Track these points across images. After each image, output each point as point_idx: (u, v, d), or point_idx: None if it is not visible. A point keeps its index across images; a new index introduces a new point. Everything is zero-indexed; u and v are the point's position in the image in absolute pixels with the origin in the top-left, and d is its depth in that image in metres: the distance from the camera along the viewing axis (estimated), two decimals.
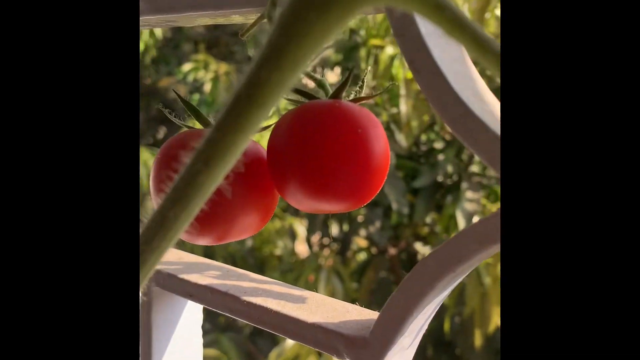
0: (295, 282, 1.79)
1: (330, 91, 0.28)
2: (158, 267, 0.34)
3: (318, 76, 0.29)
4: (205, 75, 2.26)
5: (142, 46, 2.26)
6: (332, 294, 1.69)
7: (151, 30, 2.24)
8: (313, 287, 1.73)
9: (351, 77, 0.27)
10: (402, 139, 1.62)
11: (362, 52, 1.66)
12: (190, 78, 2.36)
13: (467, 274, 0.26)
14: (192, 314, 0.38)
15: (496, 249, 0.23)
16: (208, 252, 1.94)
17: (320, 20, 0.14)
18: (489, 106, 0.24)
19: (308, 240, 2.03)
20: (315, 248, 2.10)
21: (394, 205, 1.64)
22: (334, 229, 2.06)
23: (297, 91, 0.28)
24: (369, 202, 0.28)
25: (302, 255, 2.03)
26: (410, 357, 0.27)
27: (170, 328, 0.36)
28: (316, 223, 1.77)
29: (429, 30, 0.24)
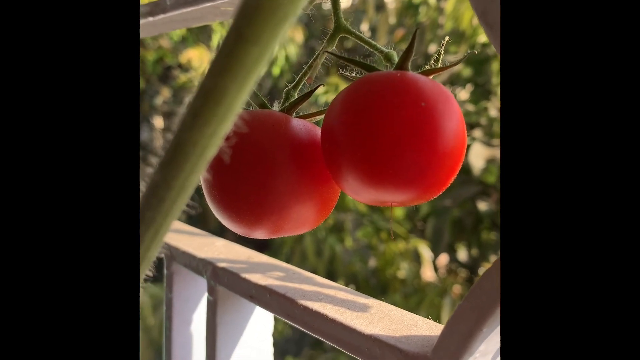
0: (417, 306, 1.71)
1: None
2: (223, 265, 0.32)
3: (385, 48, 0.25)
4: (337, 73, 2.29)
5: (277, 71, 2.35)
6: None
7: (286, 55, 2.33)
8: (436, 313, 1.64)
9: (416, 40, 0.23)
10: None
11: (495, 66, 1.57)
12: (322, 100, 2.41)
13: None
14: (261, 318, 0.35)
15: None
16: (331, 270, 1.94)
17: None
18: None
19: (434, 264, 1.94)
20: (442, 272, 2.00)
21: None
22: (462, 254, 1.95)
23: (358, 63, 0.25)
24: (439, 193, 0.23)
25: (427, 279, 1.94)
26: None
27: (236, 331, 0.34)
28: (441, 245, 1.69)
29: None
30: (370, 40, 0.25)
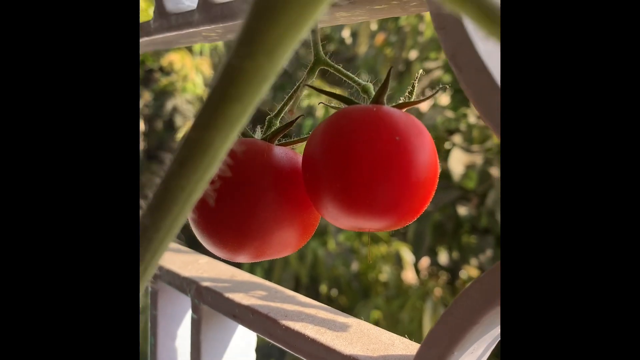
0: (400, 310, 1.73)
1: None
2: (207, 284, 0.33)
3: (362, 81, 0.26)
4: (319, 104, 2.32)
5: None
6: None
7: None
8: (418, 316, 1.66)
9: (390, 77, 0.24)
10: None
11: None
12: (304, 104, 2.42)
13: None
14: (244, 337, 0.36)
15: None
16: (314, 274, 1.95)
17: None
18: None
19: (416, 267, 1.97)
20: (424, 274, 2.02)
21: None
22: (443, 257, 1.98)
23: (337, 96, 0.26)
24: (413, 220, 0.25)
25: (409, 282, 1.97)
26: None
27: (220, 349, 0.35)
28: (422, 249, 1.71)
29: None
30: (349, 73, 0.26)
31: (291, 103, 0.27)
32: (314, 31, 0.26)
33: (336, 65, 0.26)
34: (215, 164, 0.15)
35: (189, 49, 2.85)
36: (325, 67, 0.27)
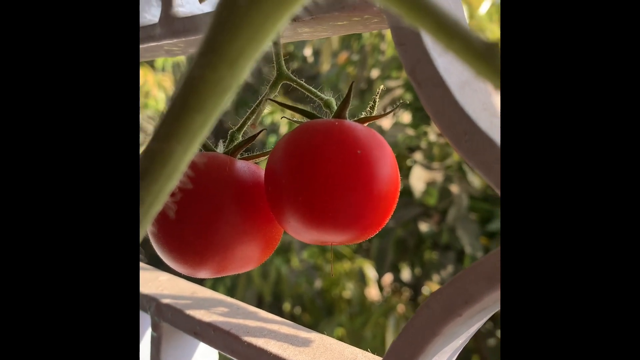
0: (363, 326, 1.73)
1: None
2: (167, 301, 0.33)
3: (324, 95, 0.26)
4: (281, 118, 2.32)
5: None
6: None
7: None
8: (381, 333, 1.66)
9: (352, 92, 0.24)
10: (475, 179, 1.55)
11: None
12: (268, 120, 2.43)
13: (485, 320, 0.22)
14: (205, 354, 0.35)
15: None
16: (277, 292, 1.93)
17: (253, 10, 0.12)
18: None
19: (379, 284, 1.97)
20: (387, 291, 2.03)
21: (467, 249, 1.56)
22: (406, 273, 1.99)
23: (299, 110, 0.26)
24: (376, 233, 0.25)
25: (372, 298, 1.97)
26: None
27: None
28: (385, 265, 1.72)
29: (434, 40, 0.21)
30: (311, 87, 0.26)
31: (253, 117, 0.27)
32: (276, 45, 0.27)
33: (299, 80, 0.27)
34: (175, 175, 0.15)
35: (151, 65, 2.82)
36: (288, 82, 0.27)
